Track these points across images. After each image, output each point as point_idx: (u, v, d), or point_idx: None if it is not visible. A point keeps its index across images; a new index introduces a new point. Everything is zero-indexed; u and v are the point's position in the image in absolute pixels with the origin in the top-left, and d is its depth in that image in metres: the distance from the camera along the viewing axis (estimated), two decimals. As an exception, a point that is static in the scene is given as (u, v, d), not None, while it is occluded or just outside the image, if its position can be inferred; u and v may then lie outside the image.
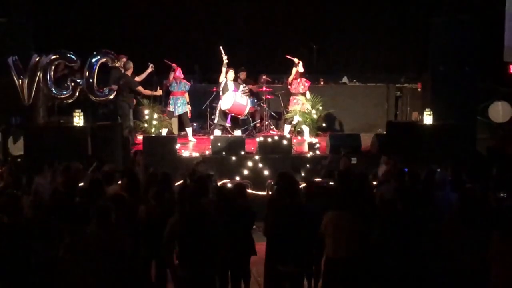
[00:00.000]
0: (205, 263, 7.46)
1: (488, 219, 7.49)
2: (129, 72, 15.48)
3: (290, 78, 16.56)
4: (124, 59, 15.63)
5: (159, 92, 16.33)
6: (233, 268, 8.53)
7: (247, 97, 16.55)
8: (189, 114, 16.53)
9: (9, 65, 13.71)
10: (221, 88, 16.29)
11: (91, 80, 14.00)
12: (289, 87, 16.74)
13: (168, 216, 7.83)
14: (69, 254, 7.18)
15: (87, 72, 13.95)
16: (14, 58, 13.71)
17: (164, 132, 15.97)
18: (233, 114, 16.44)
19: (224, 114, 16.46)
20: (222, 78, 16.17)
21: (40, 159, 11.66)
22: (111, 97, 14.76)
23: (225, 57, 16.09)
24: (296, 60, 16.47)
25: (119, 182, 10.01)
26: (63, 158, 11.47)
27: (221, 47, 16.31)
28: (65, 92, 14.16)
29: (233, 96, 16.02)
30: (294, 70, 16.47)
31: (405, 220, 7.65)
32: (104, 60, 14.29)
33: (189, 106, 16.51)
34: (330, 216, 7.93)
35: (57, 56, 13.97)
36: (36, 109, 14.47)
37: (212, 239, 7.54)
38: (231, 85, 16.27)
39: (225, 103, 16.08)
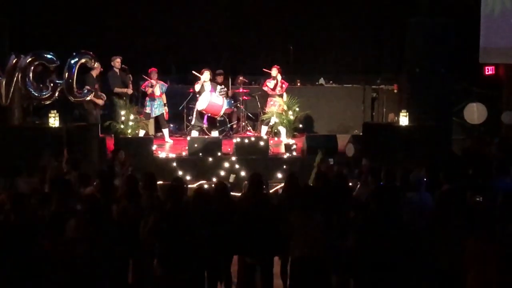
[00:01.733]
0: (185, 263, 7.46)
1: (464, 220, 7.53)
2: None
3: (267, 89, 16.59)
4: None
5: (130, 90, 16.34)
6: (213, 268, 8.54)
7: (224, 97, 16.55)
8: (165, 115, 16.50)
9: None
10: (197, 89, 16.31)
11: (70, 80, 13.94)
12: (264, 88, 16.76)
13: (143, 215, 7.84)
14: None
15: (67, 73, 13.89)
16: (-11, 58, 13.64)
17: (141, 133, 15.93)
18: (209, 115, 16.45)
19: (200, 115, 16.47)
20: (197, 87, 16.26)
21: (16, 160, 11.57)
22: (88, 98, 14.70)
23: (202, 77, 16.19)
24: (274, 71, 16.47)
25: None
26: (39, 159, 11.44)
27: (193, 72, 16.42)
28: (44, 93, 14.08)
29: (209, 96, 16.06)
30: (272, 83, 16.49)
31: (379, 220, 7.64)
32: (83, 61, 14.25)
33: (165, 107, 16.48)
34: (296, 215, 7.99)
35: (36, 57, 13.87)
36: (11, 110, 14.37)
37: (193, 238, 7.54)
38: (207, 85, 16.30)
39: (201, 103, 16.11)
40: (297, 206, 8.13)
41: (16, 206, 7.62)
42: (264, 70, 16.79)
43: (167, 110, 16.53)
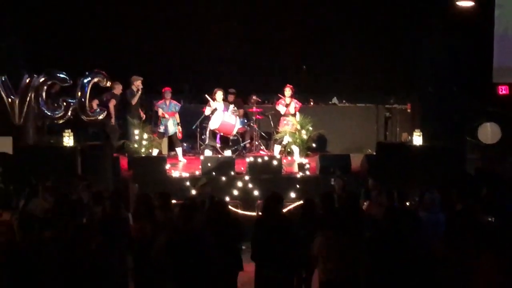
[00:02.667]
0: (196, 281, 7.45)
1: (476, 240, 7.49)
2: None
3: (280, 108, 16.61)
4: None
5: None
6: (220, 283, 8.50)
7: (237, 117, 16.57)
8: (179, 135, 16.54)
9: (-2, 85, 13.71)
10: (207, 113, 16.37)
11: (83, 100, 14.00)
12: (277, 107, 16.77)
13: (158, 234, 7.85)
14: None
15: (79, 93, 13.95)
16: (3, 77, 13.69)
17: (154, 152, 15.97)
18: (222, 134, 16.49)
19: (213, 134, 16.51)
20: (207, 111, 16.34)
21: (30, 179, 11.59)
22: (101, 117, 14.75)
23: (216, 96, 16.28)
24: (287, 91, 16.49)
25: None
26: (53, 178, 11.47)
27: (206, 95, 16.53)
28: (57, 112, 14.13)
29: (222, 116, 16.10)
30: (283, 109, 16.53)
31: (392, 241, 7.62)
32: (96, 80, 14.31)
33: (179, 126, 16.52)
34: (324, 238, 7.85)
35: (49, 76, 13.94)
36: (26, 129, 14.44)
37: (205, 257, 7.54)
38: (220, 105, 16.34)
39: (213, 122, 16.15)
40: (324, 228, 8.00)
41: (22, 228, 7.65)
42: (279, 95, 16.77)
43: (180, 129, 16.57)
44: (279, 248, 8.10)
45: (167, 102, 16.32)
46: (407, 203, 9.99)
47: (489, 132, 17.05)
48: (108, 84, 14.92)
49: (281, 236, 8.15)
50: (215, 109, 16.34)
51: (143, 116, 16.40)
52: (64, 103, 14.18)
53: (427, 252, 7.54)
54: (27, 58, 15.27)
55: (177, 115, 16.50)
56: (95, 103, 14.97)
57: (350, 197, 9.66)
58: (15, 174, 13.43)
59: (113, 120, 15.83)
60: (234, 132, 16.45)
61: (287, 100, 16.47)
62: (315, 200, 9.49)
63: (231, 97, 17.38)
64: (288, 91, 16.49)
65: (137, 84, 16.05)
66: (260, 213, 9.90)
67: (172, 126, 16.33)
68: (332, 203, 9.40)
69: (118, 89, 15.98)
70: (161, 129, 16.35)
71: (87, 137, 15.69)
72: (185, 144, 17.39)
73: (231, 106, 16.81)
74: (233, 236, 8.53)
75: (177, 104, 16.53)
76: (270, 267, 8.23)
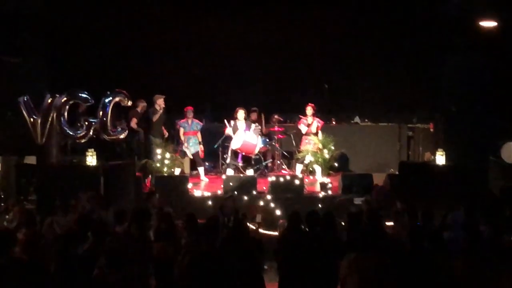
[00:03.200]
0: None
1: (500, 261, 7.43)
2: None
3: (302, 127, 16.61)
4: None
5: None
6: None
7: (259, 136, 16.56)
8: (201, 154, 16.56)
9: (20, 104, 13.76)
10: (231, 128, 16.38)
11: (104, 119, 14.04)
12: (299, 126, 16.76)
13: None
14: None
15: (101, 112, 13.99)
16: (25, 97, 13.77)
17: (176, 171, 15.99)
18: (243, 153, 16.50)
19: (235, 153, 16.53)
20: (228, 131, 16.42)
21: (53, 199, 11.64)
22: (122, 136, 14.71)
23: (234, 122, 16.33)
24: (309, 110, 16.47)
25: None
26: (75, 197, 11.53)
27: (225, 120, 16.68)
28: (79, 132, 14.18)
29: (243, 135, 16.12)
30: (304, 128, 16.53)
31: (417, 262, 7.57)
32: (117, 99, 14.34)
33: (201, 145, 16.55)
34: (349, 259, 7.73)
35: (71, 96, 14.00)
36: (49, 149, 14.51)
37: (227, 277, 7.51)
38: (241, 124, 16.34)
39: (235, 142, 16.18)
40: (355, 249, 7.89)
41: (30, 244, 7.68)
42: (300, 116, 16.77)
43: (202, 148, 16.60)
44: (304, 266, 8.07)
45: (189, 121, 16.38)
46: (431, 223, 9.91)
47: (512, 152, 16.93)
48: (129, 103, 14.90)
49: (306, 254, 8.13)
50: (236, 129, 16.34)
51: (166, 134, 16.42)
52: (86, 123, 14.22)
53: (448, 272, 7.50)
54: (49, 78, 15.38)
55: (199, 134, 16.54)
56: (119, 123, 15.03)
57: (374, 218, 9.60)
58: (38, 193, 13.58)
59: (140, 136, 15.90)
60: (256, 152, 16.46)
61: (309, 119, 16.46)
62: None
63: (253, 115, 17.42)
64: (309, 110, 16.49)
65: (160, 102, 16.08)
66: (284, 231, 9.81)
67: (194, 145, 16.37)
68: (358, 223, 9.36)
69: (141, 106, 16.04)
70: (183, 148, 16.39)
71: (115, 155, 15.66)
72: (207, 164, 17.40)
73: (253, 125, 16.81)
74: (256, 256, 8.49)
75: (199, 123, 16.58)
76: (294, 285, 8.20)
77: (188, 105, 16.67)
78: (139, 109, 16.03)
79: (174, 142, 17.05)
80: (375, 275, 7.59)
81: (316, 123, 16.48)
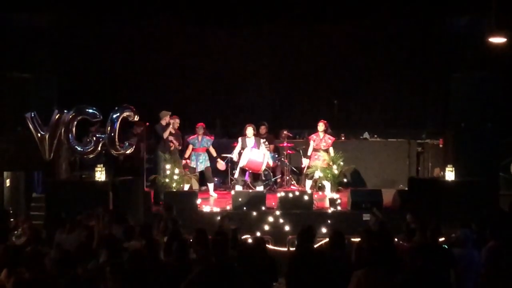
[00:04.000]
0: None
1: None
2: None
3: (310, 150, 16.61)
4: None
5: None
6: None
7: (264, 154, 16.44)
8: (223, 165, 16.71)
9: (27, 120, 13.80)
10: (240, 145, 16.37)
11: (112, 134, 14.06)
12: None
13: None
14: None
15: (109, 127, 14.01)
16: (32, 113, 13.81)
17: (186, 187, 16.00)
18: (250, 171, 16.49)
19: (242, 170, 16.50)
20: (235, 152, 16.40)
21: (62, 214, 11.63)
22: (129, 151, 14.66)
23: (247, 132, 16.31)
24: (320, 126, 16.45)
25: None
26: (85, 213, 11.53)
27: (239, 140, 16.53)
28: (87, 147, 14.19)
29: (249, 153, 16.05)
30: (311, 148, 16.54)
31: (426, 278, 7.53)
32: (125, 115, 14.35)
33: (219, 159, 16.64)
34: (361, 274, 7.65)
35: (79, 112, 14.02)
36: (57, 164, 14.55)
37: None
38: (250, 141, 16.29)
39: (241, 160, 16.13)
40: (366, 264, 7.81)
41: (32, 261, 7.68)
42: (309, 137, 16.74)
43: (219, 161, 16.73)
44: (314, 283, 8.03)
45: (199, 138, 16.37)
46: (440, 240, 9.88)
47: (523, 167, 16.90)
48: (136, 118, 14.87)
49: (316, 271, 8.09)
50: (245, 145, 16.28)
51: (179, 146, 16.35)
52: (94, 138, 14.23)
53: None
54: (58, 94, 15.45)
55: (211, 149, 16.55)
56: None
57: (384, 233, 9.57)
58: (47, 208, 13.58)
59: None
60: (262, 169, 16.41)
61: (321, 135, 16.42)
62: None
63: (263, 129, 17.46)
64: (321, 126, 16.45)
65: (167, 119, 16.03)
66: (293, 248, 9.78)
67: (204, 161, 16.38)
68: (372, 239, 9.33)
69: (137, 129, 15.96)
70: (192, 164, 16.39)
71: (122, 171, 15.63)
72: (216, 179, 17.39)
73: (262, 141, 16.78)
74: (267, 273, 8.47)
75: (209, 139, 16.55)
76: None
77: (199, 121, 16.68)
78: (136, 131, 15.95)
79: (183, 158, 17.03)
80: None
81: (327, 140, 16.41)
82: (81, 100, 15.10)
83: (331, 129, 16.99)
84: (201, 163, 16.36)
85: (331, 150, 16.38)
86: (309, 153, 16.59)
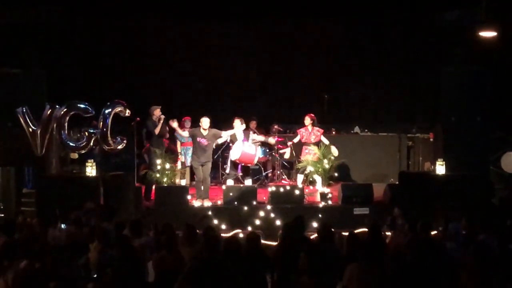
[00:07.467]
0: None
1: (500, 270, 7.43)
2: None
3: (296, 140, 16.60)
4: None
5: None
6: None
7: (258, 145, 16.52)
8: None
9: (18, 115, 13.75)
10: (229, 139, 16.34)
11: (105, 130, 14.03)
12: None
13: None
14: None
15: (101, 123, 13.98)
16: (23, 108, 13.75)
17: (183, 182, 16.01)
18: (243, 164, 16.49)
19: (234, 164, 16.49)
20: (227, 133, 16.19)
21: (56, 211, 11.61)
22: (120, 147, 14.60)
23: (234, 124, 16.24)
24: (307, 120, 16.45)
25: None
26: (76, 208, 11.53)
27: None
28: (79, 143, 14.15)
29: (241, 146, 16.07)
30: (297, 139, 16.54)
31: (416, 272, 7.55)
32: (117, 110, 14.31)
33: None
34: (354, 268, 7.75)
35: (70, 107, 13.98)
36: (48, 159, 14.51)
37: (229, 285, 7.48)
38: (239, 135, 16.29)
39: (234, 153, 16.13)
40: (358, 258, 7.88)
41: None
42: (298, 131, 16.72)
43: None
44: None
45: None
46: (431, 233, 9.91)
47: (512, 162, 16.96)
48: (128, 113, 14.81)
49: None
50: (236, 134, 16.23)
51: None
52: (86, 133, 14.19)
53: (450, 282, 7.48)
54: (49, 89, 15.39)
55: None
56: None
57: (373, 228, 9.60)
58: (38, 204, 13.55)
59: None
60: (255, 162, 16.43)
61: (309, 128, 16.41)
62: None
63: (252, 124, 17.45)
64: (307, 120, 16.43)
65: (157, 113, 15.78)
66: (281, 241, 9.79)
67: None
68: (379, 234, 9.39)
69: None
70: (182, 158, 16.36)
71: (110, 167, 15.57)
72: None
73: (251, 134, 16.77)
74: (261, 268, 8.47)
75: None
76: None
77: (186, 115, 16.65)
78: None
79: (173, 153, 17.00)
80: (376, 285, 7.58)
81: (315, 132, 16.40)
82: (71, 94, 15.09)
83: (320, 123, 16.97)
84: (190, 157, 16.29)
85: (324, 139, 16.31)
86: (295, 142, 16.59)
